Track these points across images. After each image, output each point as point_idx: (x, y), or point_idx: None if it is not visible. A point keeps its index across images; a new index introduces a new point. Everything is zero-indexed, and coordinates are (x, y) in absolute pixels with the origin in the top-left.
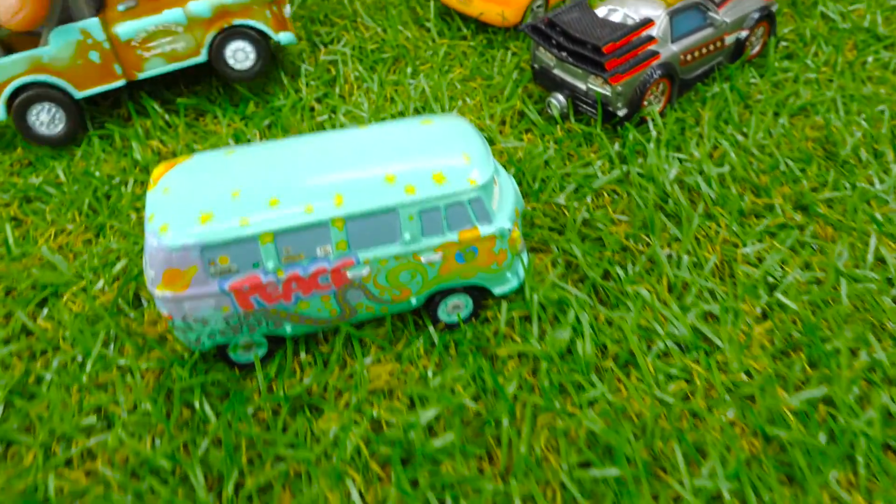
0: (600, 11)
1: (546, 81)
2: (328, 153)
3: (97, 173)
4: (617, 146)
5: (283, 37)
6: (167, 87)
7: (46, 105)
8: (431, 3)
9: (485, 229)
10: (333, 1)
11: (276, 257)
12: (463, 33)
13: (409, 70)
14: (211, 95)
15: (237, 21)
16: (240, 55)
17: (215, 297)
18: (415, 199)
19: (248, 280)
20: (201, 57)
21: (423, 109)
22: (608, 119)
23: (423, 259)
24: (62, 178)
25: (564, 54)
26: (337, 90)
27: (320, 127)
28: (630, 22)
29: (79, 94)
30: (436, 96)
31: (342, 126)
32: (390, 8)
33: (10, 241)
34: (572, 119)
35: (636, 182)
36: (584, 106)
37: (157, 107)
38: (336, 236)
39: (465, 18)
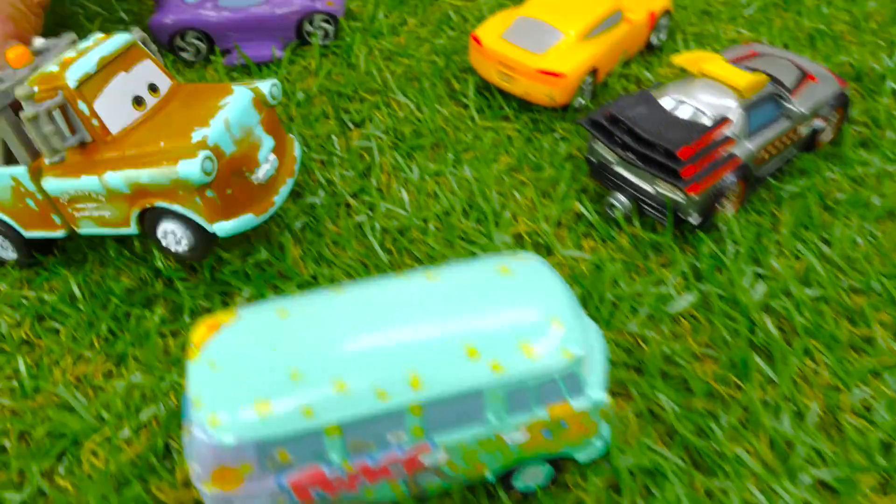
0: (666, 103)
1: (605, 179)
2: (396, 313)
3: (115, 290)
4: (690, 255)
5: (223, 227)
6: None
7: None
8: (469, 78)
9: (578, 404)
10: (361, 71)
11: (343, 449)
12: (504, 112)
13: (450, 156)
14: None
15: (160, 203)
16: (171, 238)
17: (271, 493)
18: (502, 378)
19: (309, 474)
20: (131, 229)
21: (469, 208)
22: (678, 224)
23: (506, 439)
24: (77, 293)
25: (631, 156)
26: (373, 181)
27: (358, 230)
28: (702, 118)
29: (27, 234)
30: (483, 193)
31: (383, 230)
32: (423, 80)
33: (23, 370)
34: (636, 223)
35: (718, 309)
36: (651, 210)
37: None
38: (411, 422)
39: (507, 95)
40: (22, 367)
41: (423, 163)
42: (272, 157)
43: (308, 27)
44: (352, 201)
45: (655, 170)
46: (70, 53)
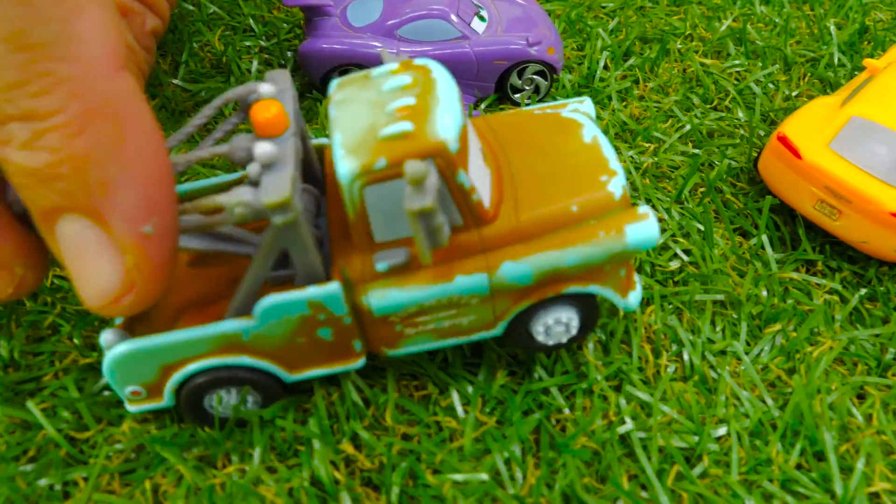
0: None
1: None
2: None
3: None
4: None
5: (636, 298)
6: None
7: (233, 389)
8: (761, 196)
9: None
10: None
11: None
12: (809, 256)
13: (743, 326)
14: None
15: (572, 289)
16: (557, 328)
17: None
18: None
19: None
20: (495, 331)
21: (789, 429)
22: None
23: None
24: None
25: None
26: (634, 356)
27: (622, 445)
28: None
29: (290, 378)
30: (808, 405)
31: (660, 451)
32: (679, 182)
33: None
34: None
35: None
36: None
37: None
38: None
39: (810, 224)
40: None
41: (702, 330)
42: None
43: (514, 79)
44: (609, 391)
45: None
46: (406, 100)
